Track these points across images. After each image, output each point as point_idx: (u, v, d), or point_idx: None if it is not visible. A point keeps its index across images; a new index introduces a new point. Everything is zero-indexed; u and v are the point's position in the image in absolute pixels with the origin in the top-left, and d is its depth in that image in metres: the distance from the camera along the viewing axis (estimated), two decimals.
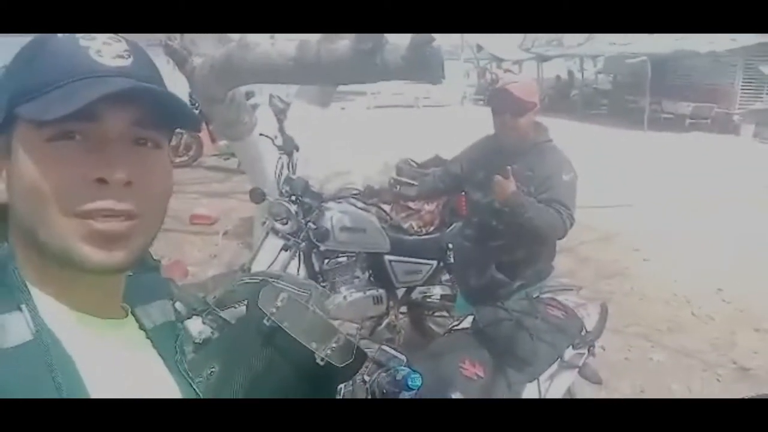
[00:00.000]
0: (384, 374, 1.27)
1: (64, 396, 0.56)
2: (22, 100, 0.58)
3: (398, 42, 2.48)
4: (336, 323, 1.20)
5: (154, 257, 1.46)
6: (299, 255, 2.93)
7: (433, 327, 3.45)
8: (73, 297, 0.64)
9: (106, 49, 0.61)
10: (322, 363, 1.14)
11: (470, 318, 2.09)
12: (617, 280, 4.96)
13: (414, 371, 1.23)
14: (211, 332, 1.38)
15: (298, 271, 2.90)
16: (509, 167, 2.37)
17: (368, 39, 2.49)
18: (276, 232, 2.88)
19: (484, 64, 23.40)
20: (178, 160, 8.29)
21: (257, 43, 2.90)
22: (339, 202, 3.04)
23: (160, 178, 0.65)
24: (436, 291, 3.37)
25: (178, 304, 1.45)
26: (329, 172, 8.24)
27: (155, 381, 0.70)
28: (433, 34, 2.41)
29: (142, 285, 0.79)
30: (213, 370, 1.21)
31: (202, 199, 6.59)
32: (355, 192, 3.11)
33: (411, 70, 2.52)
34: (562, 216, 2.29)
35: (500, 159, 2.50)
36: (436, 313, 3.49)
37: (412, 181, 3.20)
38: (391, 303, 3.24)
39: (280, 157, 3.02)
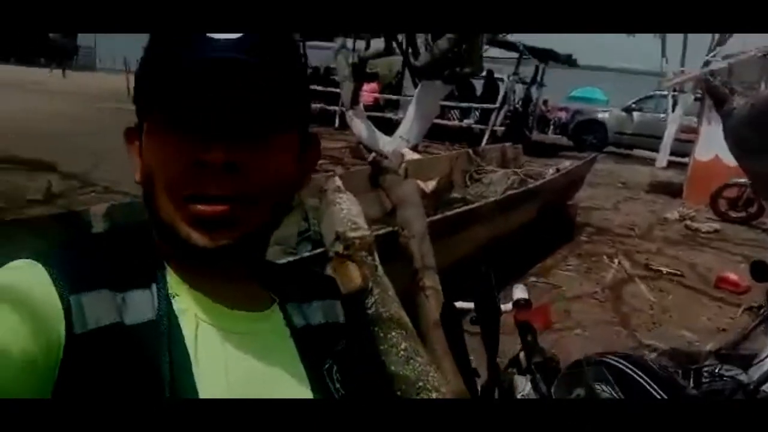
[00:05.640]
0: None
1: (165, 388, 0.54)
2: (139, 84, 0.59)
3: None
4: None
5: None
6: None
7: None
8: (205, 283, 0.62)
9: None
10: None
11: None
12: None
13: None
14: None
15: None
16: None
17: None
18: None
19: None
20: (734, 214, 7.43)
21: None
22: None
23: (268, 164, 0.58)
24: None
25: None
26: None
27: (281, 384, 0.63)
28: None
29: (311, 280, 0.75)
30: None
31: (744, 263, 5.71)
32: None
33: None
34: None
35: None
36: None
37: None
38: None
39: None
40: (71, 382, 0.51)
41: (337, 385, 0.66)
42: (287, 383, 0.63)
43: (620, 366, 1.13)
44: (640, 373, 1.10)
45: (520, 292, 1.35)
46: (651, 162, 12.03)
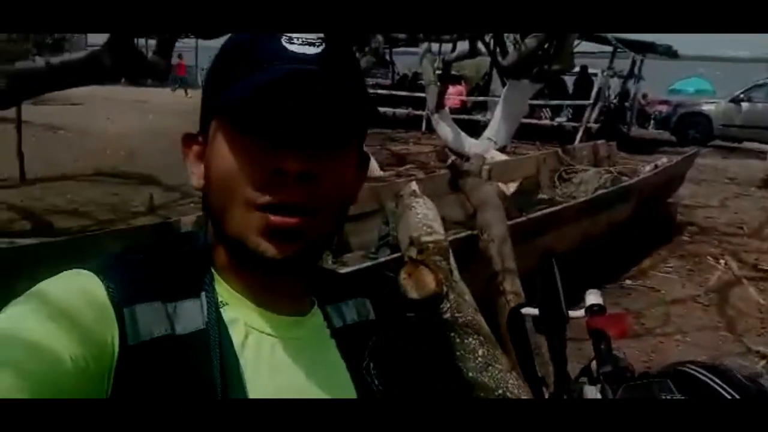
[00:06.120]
0: None
1: (218, 393, 0.56)
2: (214, 92, 0.60)
3: None
4: None
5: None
6: None
7: None
8: (255, 291, 0.63)
9: (298, 36, 0.58)
10: None
11: None
12: None
13: None
14: None
15: None
16: None
17: None
18: None
19: None
20: None
21: None
22: None
23: (338, 176, 0.60)
24: None
25: None
26: None
27: (328, 386, 0.64)
28: None
29: (343, 281, 0.76)
30: None
31: None
32: None
33: None
34: None
35: None
36: None
37: None
38: None
39: None
40: (124, 393, 0.53)
41: (376, 381, 0.67)
42: (334, 385, 0.64)
43: (698, 376, 1.05)
44: (722, 384, 1.02)
45: (593, 297, 1.27)
46: (763, 155, 11.15)
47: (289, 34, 0.58)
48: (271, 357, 0.61)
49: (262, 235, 0.57)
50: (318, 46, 0.58)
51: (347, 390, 0.65)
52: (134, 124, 10.27)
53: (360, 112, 0.60)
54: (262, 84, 0.54)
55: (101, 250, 2.26)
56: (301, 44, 0.57)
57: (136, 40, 4.65)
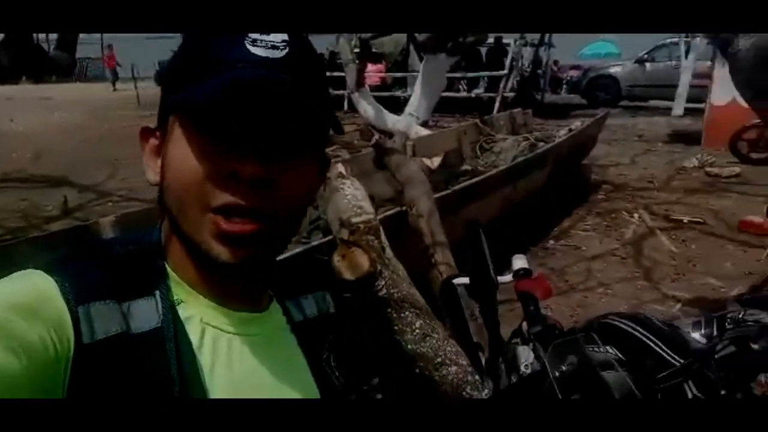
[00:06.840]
0: None
1: (176, 390, 0.56)
2: (175, 89, 0.58)
3: None
4: None
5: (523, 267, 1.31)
6: None
7: None
8: (211, 288, 0.63)
9: (263, 39, 0.56)
10: None
11: None
12: None
13: None
14: None
15: None
16: None
17: None
18: None
19: None
20: (755, 156, 7.26)
21: None
22: None
23: (297, 183, 0.59)
24: None
25: None
26: None
27: (286, 381, 0.64)
28: None
29: (303, 274, 0.76)
30: None
31: None
32: None
33: None
34: None
35: None
36: None
37: None
38: None
39: None
40: (81, 391, 0.52)
41: (336, 373, 0.69)
42: (292, 380, 0.65)
43: (620, 325, 1.13)
44: (642, 331, 1.11)
45: (519, 261, 1.34)
46: (668, 112, 11.80)
47: (253, 36, 0.56)
48: (229, 354, 0.61)
49: (215, 238, 0.57)
50: (282, 50, 0.56)
51: (306, 384, 0.66)
52: (40, 123, 9.73)
53: (322, 118, 0.59)
54: (223, 86, 0.53)
55: (15, 260, 2.15)
56: (266, 47, 0.56)
57: (35, 36, 4.38)
